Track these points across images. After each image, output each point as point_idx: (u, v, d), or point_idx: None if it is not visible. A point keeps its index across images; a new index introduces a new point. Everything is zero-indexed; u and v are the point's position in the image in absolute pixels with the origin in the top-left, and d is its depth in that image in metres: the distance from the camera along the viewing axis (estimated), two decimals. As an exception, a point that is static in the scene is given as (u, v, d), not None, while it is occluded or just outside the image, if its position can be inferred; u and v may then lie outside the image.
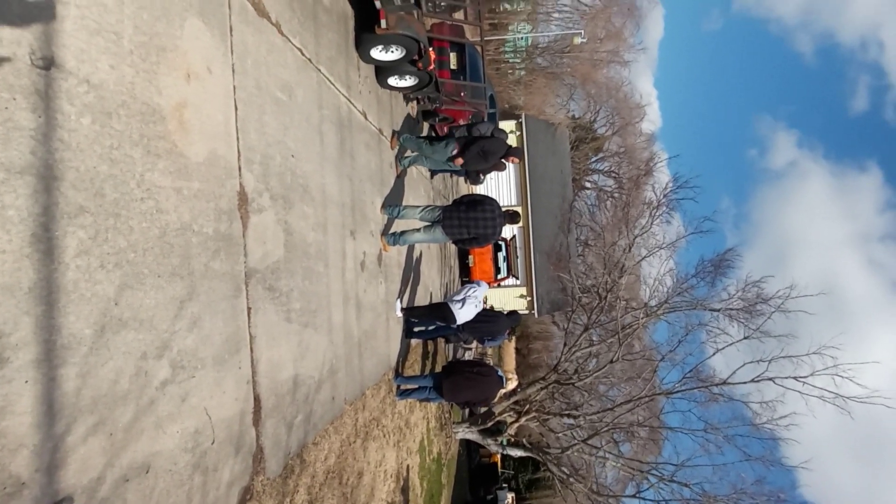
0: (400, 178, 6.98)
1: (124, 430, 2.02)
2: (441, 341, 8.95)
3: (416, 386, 6.65)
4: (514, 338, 24.74)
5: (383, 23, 5.01)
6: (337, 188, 4.65)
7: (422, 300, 7.95)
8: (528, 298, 20.17)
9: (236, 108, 2.99)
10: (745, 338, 8.97)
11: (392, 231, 6.16)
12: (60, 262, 1.78)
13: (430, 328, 7.23)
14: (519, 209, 20.06)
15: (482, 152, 6.48)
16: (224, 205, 2.80)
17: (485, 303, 7.50)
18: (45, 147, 1.74)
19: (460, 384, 6.17)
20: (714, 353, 9.32)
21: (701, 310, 9.78)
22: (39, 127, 1.72)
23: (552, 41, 29.10)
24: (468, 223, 5.71)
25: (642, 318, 9.19)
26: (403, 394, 6.43)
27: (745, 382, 8.68)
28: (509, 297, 19.72)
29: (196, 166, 2.57)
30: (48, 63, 1.76)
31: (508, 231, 17.86)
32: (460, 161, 6.60)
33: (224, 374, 2.71)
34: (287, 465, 3.41)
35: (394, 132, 6.77)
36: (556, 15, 25.31)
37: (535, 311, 20.17)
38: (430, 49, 6.04)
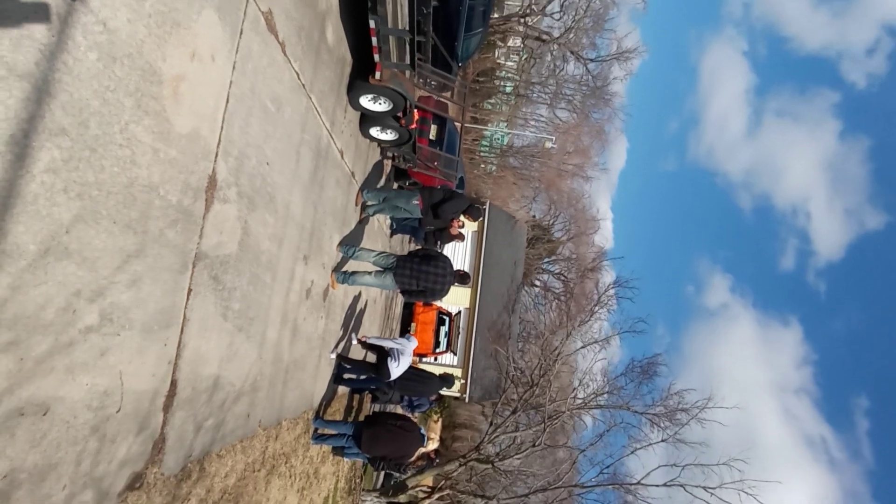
0: (361, 223, 7.16)
1: (35, 361, 1.94)
2: (368, 398, 8.70)
3: (335, 432, 6.39)
4: (440, 412, 24.03)
5: (378, 74, 5.43)
6: (300, 209, 4.76)
7: (356, 353, 7.80)
8: (462, 381, 19.94)
9: (227, 101, 3.16)
10: (662, 440, 9.20)
11: (344, 269, 6.22)
12: (28, 172, 1.81)
13: (362, 377, 7.09)
14: (469, 283, 20.43)
15: (443, 202, 6.75)
16: (193, 182, 2.87)
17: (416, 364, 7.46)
18: (49, 64, 1.84)
19: (380, 436, 5.99)
20: (632, 452, 9.46)
21: (625, 410, 10.03)
22: (50, 45, 1.83)
23: (525, 145, 31.36)
24: (419, 275, 5.85)
25: (570, 409, 9.29)
26: (320, 438, 6.15)
27: (657, 486, 8.76)
28: (443, 377, 19.41)
29: (178, 136, 2.67)
30: (74, -4, 1.91)
31: (455, 308, 18.03)
32: (420, 205, 6.81)
33: (149, 344, 2.63)
34: (185, 468, 3.20)
35: (360, 189, 6.98)
36: (532, 122, 27.41)
37: (467, 396, 19.88)
38: (415, 110, 6.49)
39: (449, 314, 14.73)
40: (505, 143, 34.18)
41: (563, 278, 33.19)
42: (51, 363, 2.02)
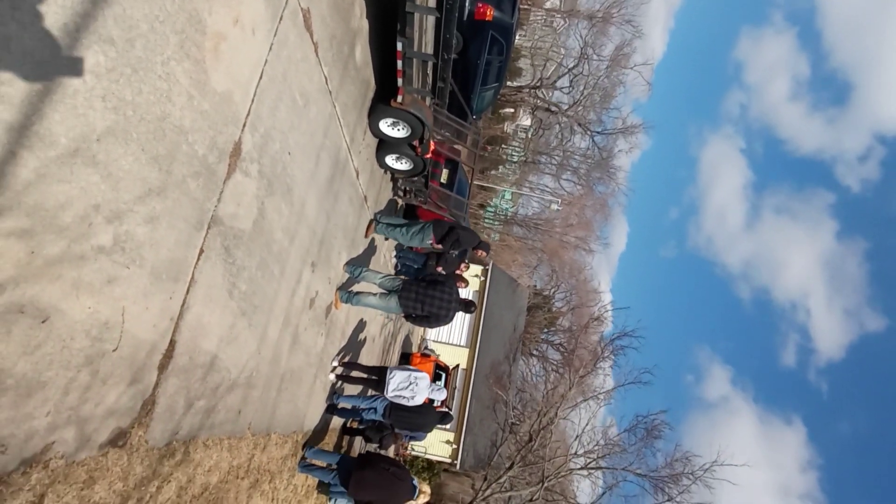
0: (369, 246, 7.16)
1: (45, 261, 1.88)
2: (358, 439, 8.27)
3: (324, 464, 6.02)
4: (429, 480, 22.59)
5: (400, 98, 5.65)
6: (314, 213, 4.78)
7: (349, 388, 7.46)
8: (454, 446, 19.03)
9: (261, 77, 3.27)
10: (667, 501, 8.57)
11: (349, 289, 6.14)
12: (73, 64, 1.85)
13: (357, 407, 6.79)
14: (466, 351, 20.04)
15: (457, 238, 6.82)
16: (220, 142, 2.92)
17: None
18: (109, -27, 1.93)
19: (369, 479, 5.55)
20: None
21: (628, 472, 9.46)
22: (113, -45, 1.94)
23: (529, 216, 32.01)
24: (425, 299, 5.77)
25: (569, 472, 8.77)
26: (307, 467, 5.79)
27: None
28: (435, 440, 18.58)
29: (212, 91, 2.75)
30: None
31: (452, 361, 17.56)
32: (438, 245, 6.89)
33: (155, 291, 2.56)
34: (170, 445, 2.99)
35: (371, 219, 7.05)
36: (538, 191, 28.12)
37: (458, 463, 18.88)
38: (432, 140, 6.69)
39: (446, 368, 14.31)
40: (510, 211, 34.94)
41: (562, 350, 32.66)
42: (59, 270, 1.95)
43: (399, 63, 5.29)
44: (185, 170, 2.62)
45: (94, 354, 2.22)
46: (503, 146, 26.35)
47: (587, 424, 9.65)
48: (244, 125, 3.17)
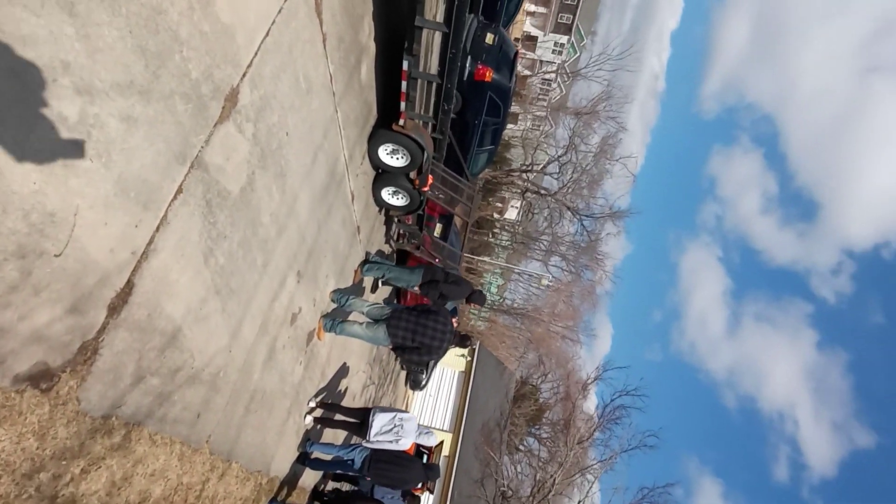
0: (356, 285, 6.77)
1: (-11, 96, 1.56)
2: None
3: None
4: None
5: (401, 122, 5.61)
6: (306, 215, 4.49)
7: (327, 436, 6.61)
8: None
9: (267, 35, 3.15)
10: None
11: (333, 317, 5.67)
12: None
13: (331, 461, 6.00)
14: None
15: (445, 282, 6.52)
16: (217, 77, 2.70)
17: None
18: None
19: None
20: None
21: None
22: None
23: (516, 306, 31.72)
24: (417, 328, 5.32)
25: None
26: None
27: None
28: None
29: (215, 17, 2.58)
30: None
31: (434, 439, 16.25)
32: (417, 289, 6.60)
33: (119, 207, 2.19)
34: (109, 419, 2.43)
35: (360, 263, 6.78)
36: (526, 277, 28.13)
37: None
38: (430, 175, 6.59)
39: (429, 449, 13.16)
40: (498, 301, 34.63)
41: (548, 445, 30.86)
42: (9, 128, 1.62)
43: (403, 85, 5.30)
44: (175, 85, 2.37)
45: (30, 248, 1.81)
46: (493, 229, 26.74)
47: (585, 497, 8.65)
48: (244, 75, 2.98)
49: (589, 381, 23.75)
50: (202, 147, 2.71)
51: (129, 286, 2.37)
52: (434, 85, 5.36)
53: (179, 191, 2.60)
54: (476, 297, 6.84)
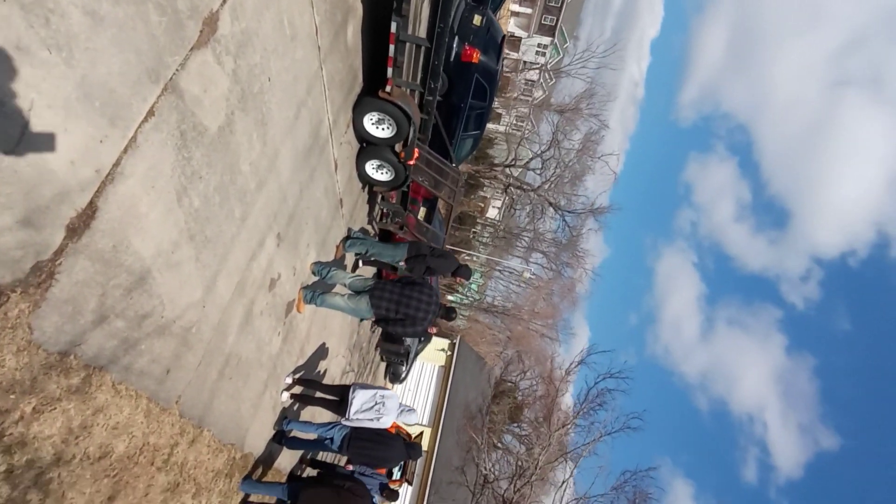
0: (337, 260, 6.56)
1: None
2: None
3: (265, 497, 4.94)
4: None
5: (388, 88, 5.43)
6: (288, 175, 4.29)
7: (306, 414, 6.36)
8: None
9: (250, -37, 2.95)
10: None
11: (314, 289, 5.45)
12: None
13: (309, 440, 5.78)
14: (429, 430, 18.52)
15: (432, 256, 6.40)
16: (194, -6, 2.50)
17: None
18: None
19: (323, 498, 4.60)
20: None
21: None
22: None
23: (496, 303, 31.72)
24: (401, 299, 5.15)
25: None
26: (251, 485, 4.74)
27: None
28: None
29: (193, -75, 2.38)
30: None
31: (416, 417, 16.05)
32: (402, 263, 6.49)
33: (82, 114, 1.98)
34: (66, 357, 2.21)
35: (342, 239, 6.60)
36: (507, 273, 28.12)
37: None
38: (415, 149, 6.42)
39: (409, 436, 12.97)
40: (478, 298, 34.59)
41: (526, 443, 30.90)
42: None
43: (391, 49, 5.12)
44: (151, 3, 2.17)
45: (-24, 138, 1.60)
46: (475, 225, 26.66)
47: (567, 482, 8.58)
48: (224, 1, 2.78)
49: (574, 364, 23.67)
50: (177, 70, 2.51)
51: (92, 208, 2.15)
52: (423, 49, 5.20)
53: (151, 113, 2.39)
54: (462, 270, 6.73)
